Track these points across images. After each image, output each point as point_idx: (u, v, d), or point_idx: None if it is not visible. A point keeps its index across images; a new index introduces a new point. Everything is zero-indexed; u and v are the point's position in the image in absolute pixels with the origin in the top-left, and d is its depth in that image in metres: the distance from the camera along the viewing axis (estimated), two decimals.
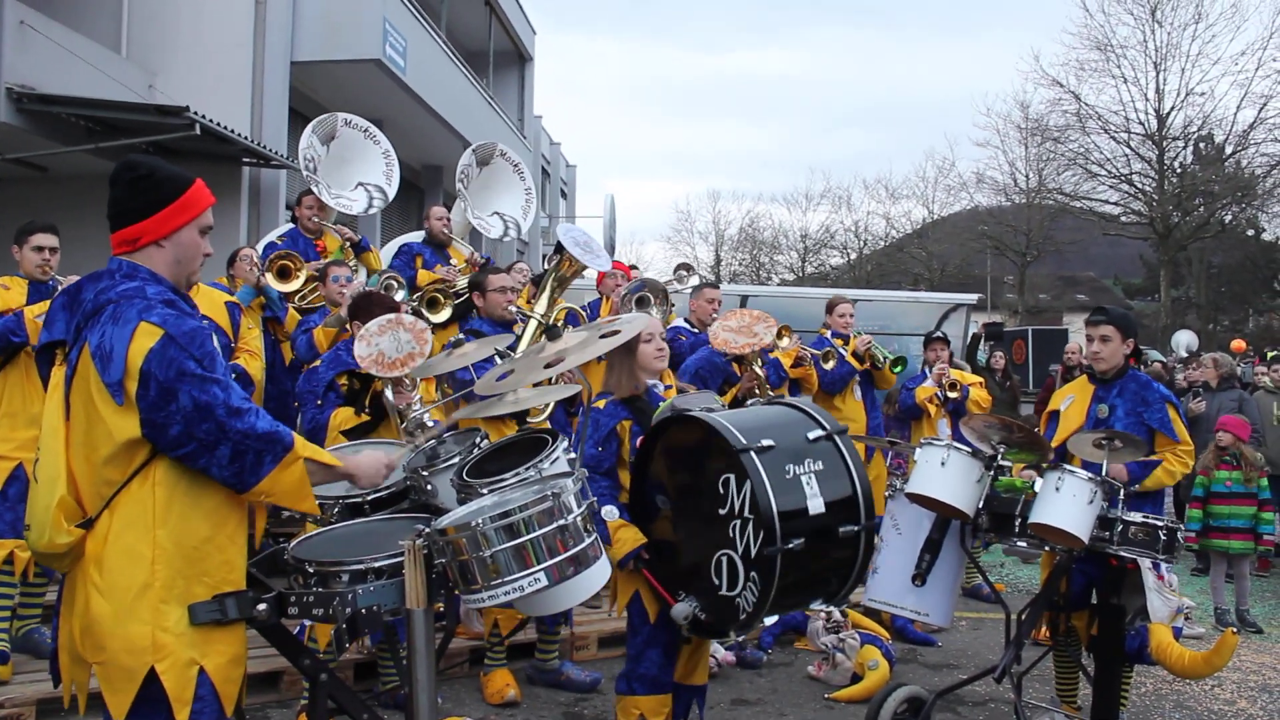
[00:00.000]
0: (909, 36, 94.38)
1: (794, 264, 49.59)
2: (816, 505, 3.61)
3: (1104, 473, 4.73)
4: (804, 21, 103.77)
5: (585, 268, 6.50)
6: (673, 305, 7.88)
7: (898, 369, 8.30)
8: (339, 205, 8.12)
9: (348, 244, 7.83)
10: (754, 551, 3.54)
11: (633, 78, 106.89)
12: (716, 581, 3.72)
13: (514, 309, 6.05)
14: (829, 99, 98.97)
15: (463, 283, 7.76)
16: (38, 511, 2.67)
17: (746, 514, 3.56)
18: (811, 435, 3.77)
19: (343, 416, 5.15)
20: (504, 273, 6.27)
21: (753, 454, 3.56)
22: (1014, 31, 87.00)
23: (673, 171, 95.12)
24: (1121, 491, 4.73)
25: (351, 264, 7.43)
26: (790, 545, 3.49)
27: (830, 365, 7.94)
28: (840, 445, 3.79)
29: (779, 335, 7.95)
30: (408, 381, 5.00)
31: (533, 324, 6.01)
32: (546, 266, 6.48)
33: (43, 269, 5.45)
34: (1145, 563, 4.77)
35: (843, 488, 3.72)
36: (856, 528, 3.70)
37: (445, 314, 7.52)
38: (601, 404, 4.32)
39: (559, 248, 6.35)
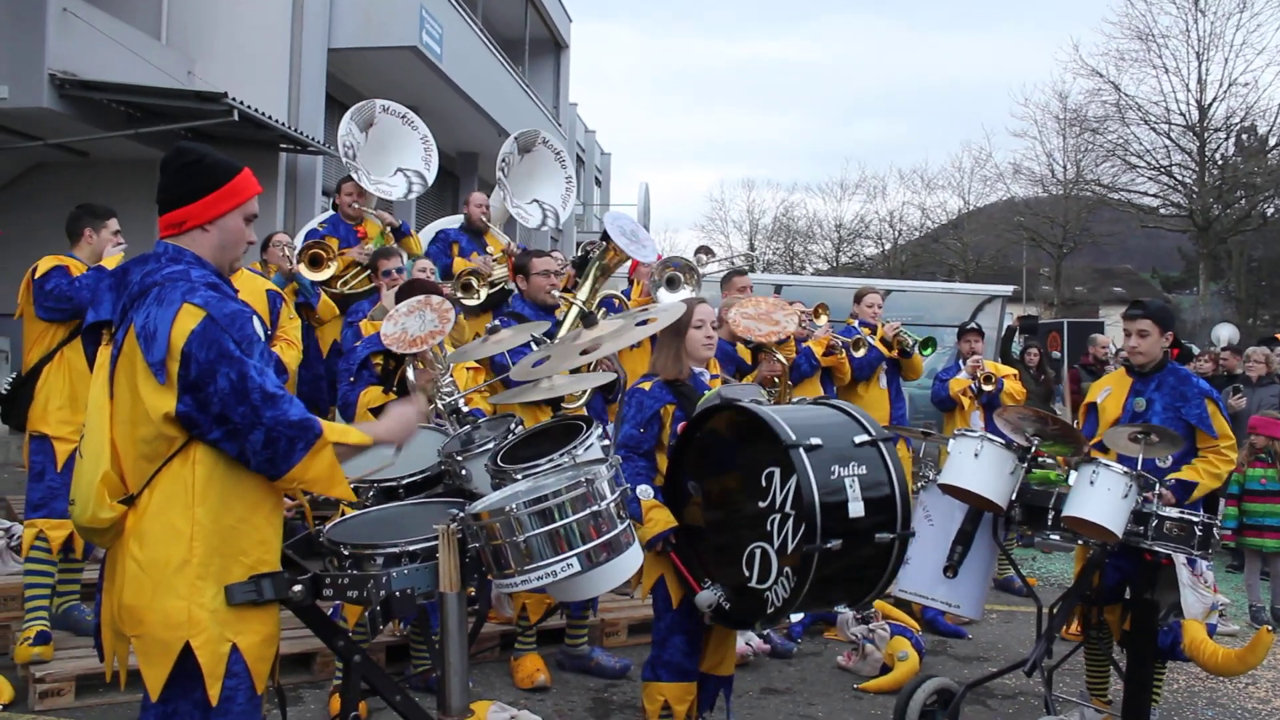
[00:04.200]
0: (943, 24, 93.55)
1: (828, 254, 49.36)
2: (857, 509, 3.61)
3: (1140, 468, 4.70)
4: (829, 8, 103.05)
5: (629, 258, 6.46)
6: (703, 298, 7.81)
7: (927, 351, 8.26)
8: (379, 191, 8.17)
9: (388, 229, 7.88)
10: (791, 547, 3.55)
11: (653, 65, 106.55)
12: (747, 573, 3.73)
13: (556, 294, 6.04)
14: (861, 86, 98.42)
15: (499, 272, 7.78)
16: (82, 486, 2.73)
17: (789, 509, 3.57)
18: (857, 439, 3.77)
19: (372, 395, 5.21)
20: (548, 256, 6.25)
21: (801, 450, 3.57)
22: (1053, 21, 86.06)
23: (703, 160, 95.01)
24: (1157, 486, 4.70)
25: (403, 258, 7.48)
26: (829, 545, 3.50)
27: (861, 353, 7.92)
28: (884, 452, 3.79)
29: (815, 314, 7.92)
30: (436, 361, 5.04)
31: (574, 310, 6.02)
32: (592, 253, 6.46)
33: (117, 251, 5.53)
34: (1179, 558, 4.74)
35: (883, 494, 3.73)
36: (892, 535, 3.71)
37: (480, 298, 7.54)
38: (648, 385, 4.32)
39: (605, 236, 6.34)
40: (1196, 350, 13.70)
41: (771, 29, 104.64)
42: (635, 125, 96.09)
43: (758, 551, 3.69)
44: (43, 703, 4.94)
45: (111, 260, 5.41)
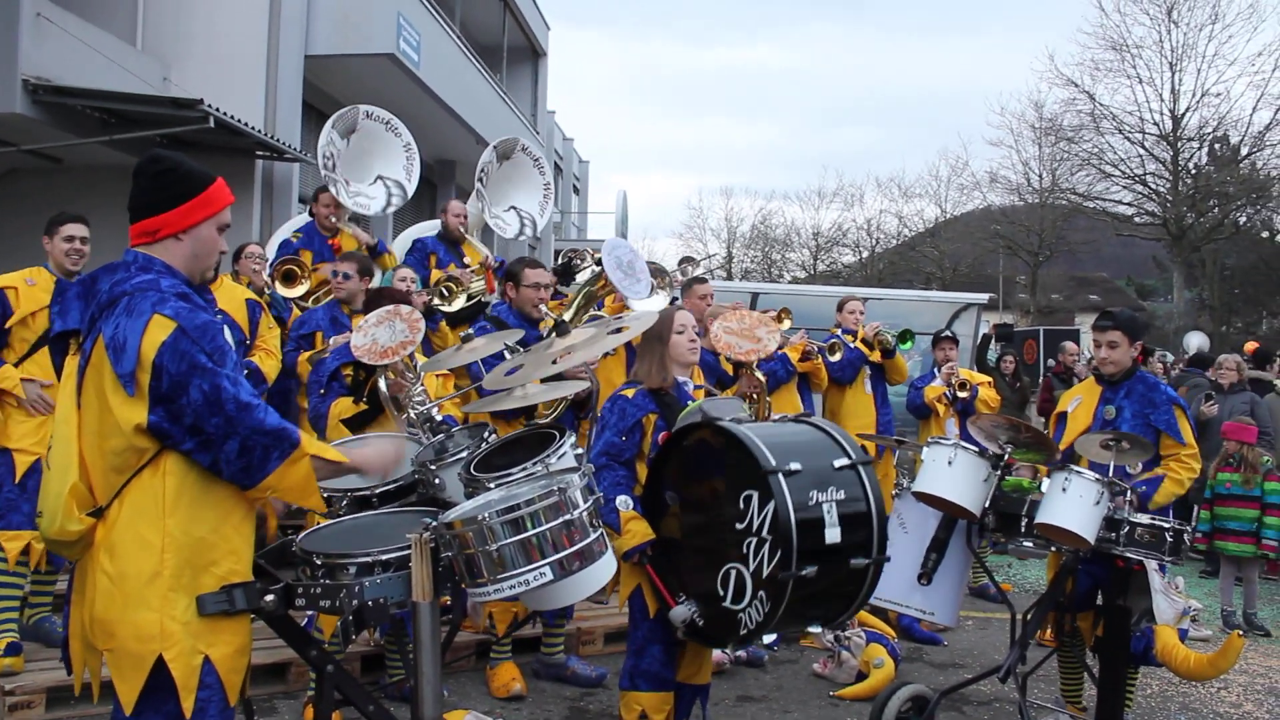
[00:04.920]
0: (919, 32, 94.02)
1: (806, 262, 49.50)
2: (834, 535, 3.63)
3: (1113, 474, 4.73)
4: (804, 16, 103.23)
5: (618, 292, 6.32)
6: (676, 297, 7.79)
7: (906, 345, 8.28)
8: (356, 205, 8.12)
9: (364, 247, 7.84)
10: (766, 572, 3.56)
11: (630, 73, 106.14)
12: (721, 593, 3.74)
13: (543, 309, 5.98)
14: (838, 94, 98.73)
15: (477, 285, 7.75)
16: (50, 498, 2.71)
17: (765, 534, 3.58)
18: (837, 464, 3.78)
19: (342, 406, 5.19)
20: (541, 268, 6.20)
21: (780, 476, 3.57)
22: (1029, 31, 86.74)
23: (681, 167, 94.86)
24: (1128, 492, 4.73)
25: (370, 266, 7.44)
26: (804, 572, 3.51)
27: (837, 357, 7.93)
28: (863, 475, 3.81)
29: (778, 319, 7.92)
30: (407, 371, 5.02)
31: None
32: (577, 263, 6.42)
33: (72, 259, 5.45)
34: (1151, 564, 4.78)
35: (860, 520, 3.74)
36: (867, 561, 3.73)
37: (458, 304, 7.52)
38: (630, 393, 4.31)
39: (599, 263, 6.24)
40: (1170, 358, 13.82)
41: (746, 36, 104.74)
42: (613, 132, 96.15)
43: (733, 573, 3.70)
44: (13, 715, 4.89)
45: None
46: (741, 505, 3.66)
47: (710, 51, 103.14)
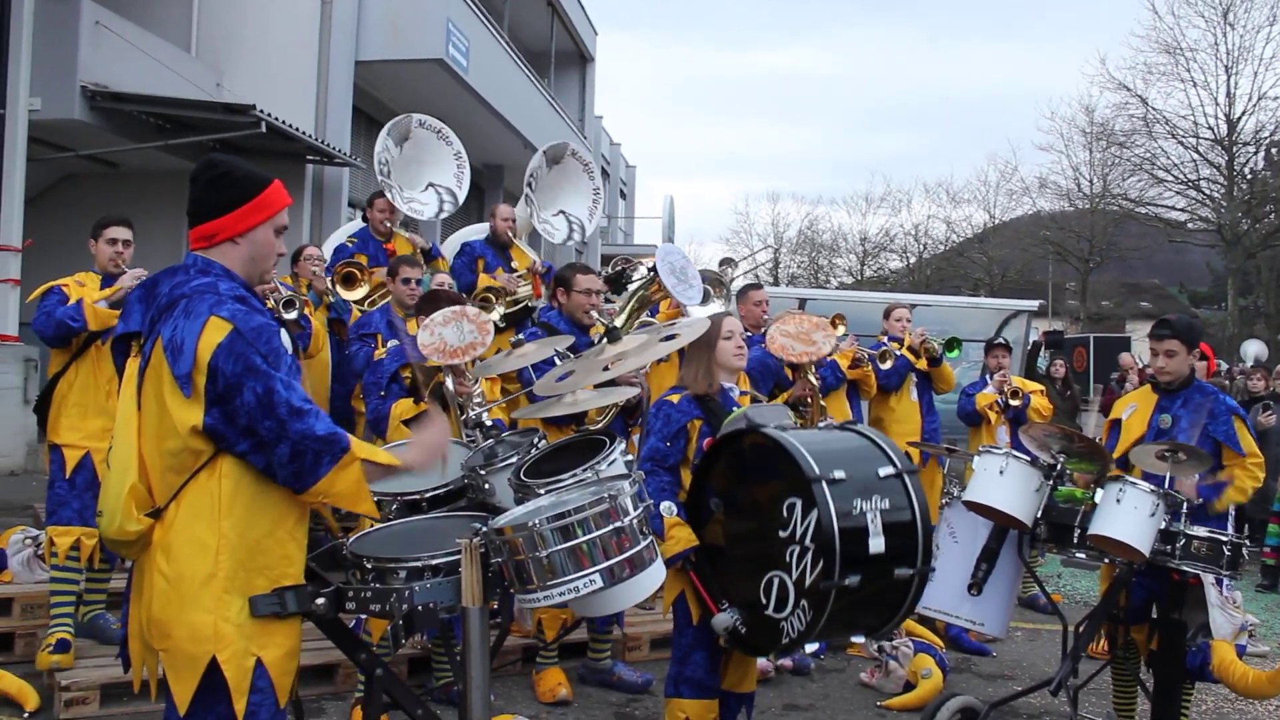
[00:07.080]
0: (964, 36, 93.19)
1: (853, 267, 49.26)
2: (878, 545, 3.59)
3: (1167, 487, 4.65)
4: (848, 20, 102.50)
5: (671, 297, 6.33)
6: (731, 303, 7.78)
7: (953, 354, 8.19)
8: (410, 210, 8.22)
9: (418, 251, 7.92)
10: (809, 581, 3.53)
11: (674, 77, 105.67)
12: (764, 600, 3.71)
13: (594, 315, 5.98)
14: (884, 98, 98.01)
15: (524, 290, 7.79)
16: (110, 499, 2.73)
17: (808, 543, 3.54)
18: (882, 472, 3.74)
19: (403, 407, 5.21)
20: (593, 274, 6.16)
21: (824, 485, 3.54)
22: (1080, 35, 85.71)
23: (727, 172, 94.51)
24: (1185, 505, 4.65)
25: (424, 270, 7.50)
26: (847, 582, 3.48)
27: (888, 365, 7.87)
28: (908, 485, 3.76)
29: (832, 323, 7.90)
30: (469, 373, 5.04)
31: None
32: (628, 272, 6.41)
33: (115, 261, 5.52)
34: (1208, 578, 4.69)
35: (905, 530, 3.70)
36: (911, 571, 3.69)
37: (497, 313, 7.56)
38: (675, 398, 4.29)
39: (654, 269, 6.25)
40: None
41: (790, 39, 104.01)
42: (659, 137, 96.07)
43: (775, 581, 3.67)
44: (68, 711, 4.97)
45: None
46: (785, 513, 3.63)
47: (753, 55, 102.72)
